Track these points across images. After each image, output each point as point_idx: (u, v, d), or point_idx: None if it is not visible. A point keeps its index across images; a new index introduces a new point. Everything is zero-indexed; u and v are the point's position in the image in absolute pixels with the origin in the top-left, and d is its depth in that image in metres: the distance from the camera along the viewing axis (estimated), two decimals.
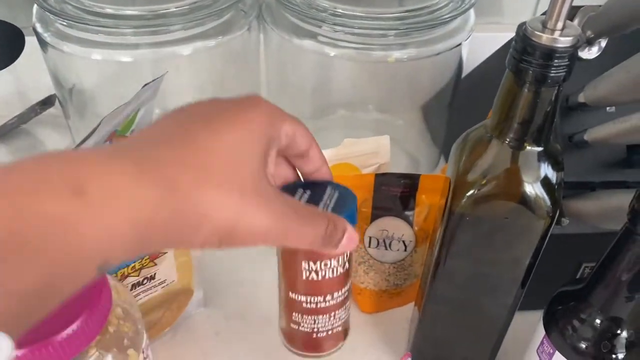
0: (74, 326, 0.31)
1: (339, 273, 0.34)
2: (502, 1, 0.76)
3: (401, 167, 0.68)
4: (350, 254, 0.34)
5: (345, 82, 0.67)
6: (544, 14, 0.30)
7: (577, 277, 0.49)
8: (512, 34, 0.61)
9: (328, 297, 0.34)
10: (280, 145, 0.29)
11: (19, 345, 0.28)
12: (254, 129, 0.26)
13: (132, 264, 0.43)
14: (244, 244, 0.25)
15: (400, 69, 0.60)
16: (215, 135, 0.25)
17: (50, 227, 0.19)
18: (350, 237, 0.30)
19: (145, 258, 0.43)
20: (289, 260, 0.34)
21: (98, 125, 0.38)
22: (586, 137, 0.42)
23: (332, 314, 0.35)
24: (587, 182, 0.45)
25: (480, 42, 0.61)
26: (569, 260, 0.48)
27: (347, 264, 0.34)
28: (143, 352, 0.36)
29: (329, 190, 0.32)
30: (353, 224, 0.31)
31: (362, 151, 0.50)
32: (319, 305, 0.35)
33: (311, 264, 0.33)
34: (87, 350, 0.33)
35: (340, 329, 0.37)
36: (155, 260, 0.44)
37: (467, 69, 0.63)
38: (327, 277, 0.33)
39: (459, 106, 0.63)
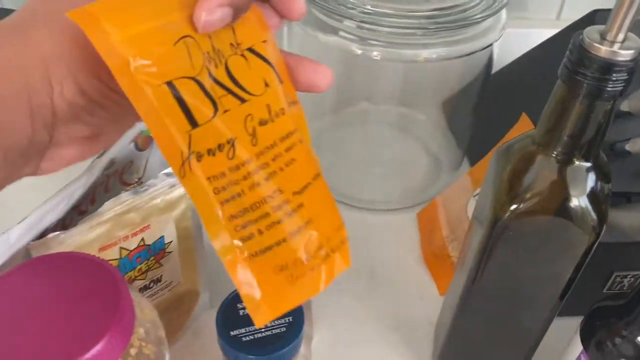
0: (93, 351, 0.29)
1: None
2: None
3: (423, 166, 0.67)
4: None
5: (369, 77, 0.65)
6: (593, 21, 0.28)
7: (608, 284, 0.48)
8: (539, 30, 0.60)
9: None
10: None
11: None
12: None
13: (139, 266, 0.42)
14: None
15: (428, 67, 0.59)
16: None
17: None
18: None
19: (150, 259, 0.42)
20: None
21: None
22: (628, 147, 0.41)
23: None
24: (625, 193, 0.43)
25: (506, 39, 0.59)
26: (601, 269, 0.47)
27: None
28: None
29: None
30: None
31: None
32: None
33: None
34: None
35: None
36: (160, 261, 0.43)
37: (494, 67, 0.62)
38: None
39: (486, 107, 0.62)
